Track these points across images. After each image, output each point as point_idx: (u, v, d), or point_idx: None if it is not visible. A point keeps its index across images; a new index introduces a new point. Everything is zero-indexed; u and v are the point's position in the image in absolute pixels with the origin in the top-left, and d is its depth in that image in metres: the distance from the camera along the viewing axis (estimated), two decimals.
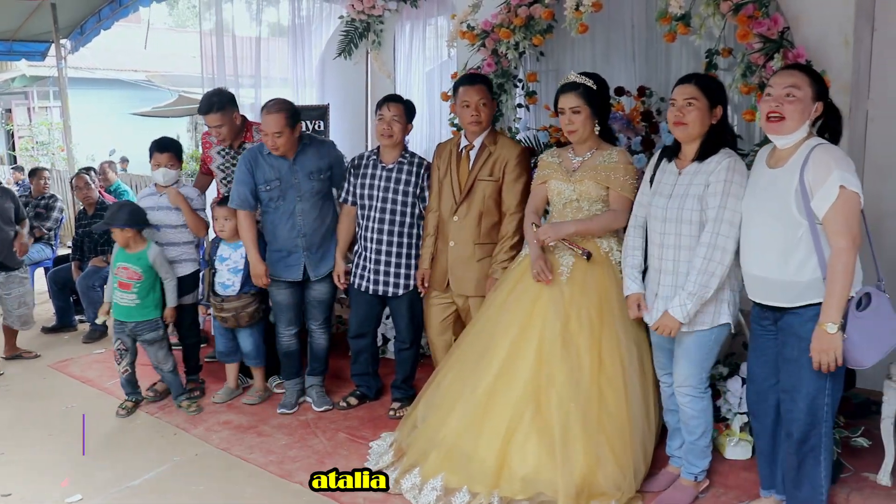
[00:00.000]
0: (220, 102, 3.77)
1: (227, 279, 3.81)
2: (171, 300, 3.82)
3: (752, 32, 3.17)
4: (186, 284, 3.94)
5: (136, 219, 3.74)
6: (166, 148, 3.87)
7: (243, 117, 3.98)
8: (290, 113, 3.52)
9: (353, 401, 3.85)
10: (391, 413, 3.68)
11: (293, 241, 3.66)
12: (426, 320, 3.62)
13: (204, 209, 4.03)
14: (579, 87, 2.88)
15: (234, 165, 3.91)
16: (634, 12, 4.16)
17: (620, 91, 4.02)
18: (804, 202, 2.24)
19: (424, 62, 5.36)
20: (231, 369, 4.03)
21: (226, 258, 3.83)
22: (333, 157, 3.76)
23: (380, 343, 4.21)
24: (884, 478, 2.85)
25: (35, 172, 6.48)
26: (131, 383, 3.90)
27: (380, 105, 3.54)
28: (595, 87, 2.90)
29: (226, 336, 3.92)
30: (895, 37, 3.39)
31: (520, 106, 4.38)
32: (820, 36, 3.23)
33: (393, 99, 3.56)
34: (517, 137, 4.31)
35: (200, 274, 4.16)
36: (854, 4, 3.16)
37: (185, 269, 3.95)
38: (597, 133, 2.96)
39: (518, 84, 4.35)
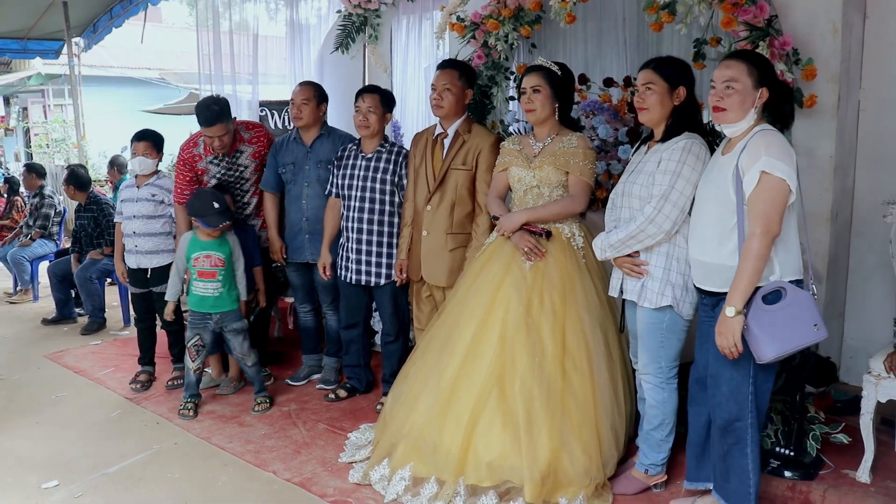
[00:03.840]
0: (221, 111, 3.63)
1: None
2: (244, 292, 3.71)
3: (736, 20, 3.12)
4: (165, 275, 3.89)
5: (228, 215, 3.59)
6: (142, 137, 3.90)
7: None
8: (319, 90, 3.81)
9: (342, 393, 3.85)
10: (378, 407, 3.63)
11: (299, 224, 3.83)
12: (414, 313, 3.59)
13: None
14: (543, 69, 2.93)
15: (230, 170, 3.89)
16: (626, 3, 4.11)
17: (609, 82, 3.97)
18: (737, 185, 2.23)
19: (422, 57, 5.33)
20: (212, 360, 4.03)
21: None
22: None
23: None
24: (863, 475, 2.77)
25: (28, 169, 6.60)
26: (198, 383, 3.76)
27: (356, 97, 3.56)
28: (559, 73, 2.92)
29: None
30: (888, 25, 3.31)
31: (511, 98, 4.34)
32: (807, 24, 3.16)
33: (368, 90, 3.58)
34: (509, 130, 4.28)
35: None
36: None
37: (163, 260, 3.98)
38: (556, 117, 2.95)
39: (510, 76, 4.30)
